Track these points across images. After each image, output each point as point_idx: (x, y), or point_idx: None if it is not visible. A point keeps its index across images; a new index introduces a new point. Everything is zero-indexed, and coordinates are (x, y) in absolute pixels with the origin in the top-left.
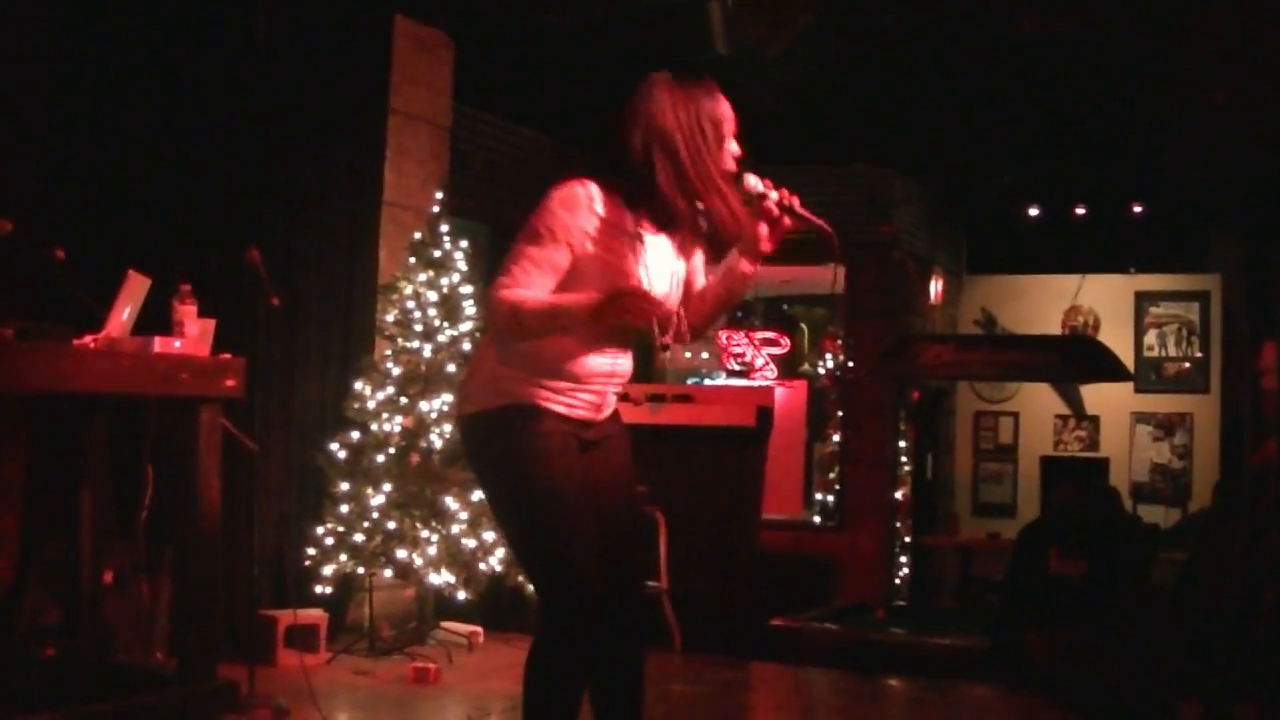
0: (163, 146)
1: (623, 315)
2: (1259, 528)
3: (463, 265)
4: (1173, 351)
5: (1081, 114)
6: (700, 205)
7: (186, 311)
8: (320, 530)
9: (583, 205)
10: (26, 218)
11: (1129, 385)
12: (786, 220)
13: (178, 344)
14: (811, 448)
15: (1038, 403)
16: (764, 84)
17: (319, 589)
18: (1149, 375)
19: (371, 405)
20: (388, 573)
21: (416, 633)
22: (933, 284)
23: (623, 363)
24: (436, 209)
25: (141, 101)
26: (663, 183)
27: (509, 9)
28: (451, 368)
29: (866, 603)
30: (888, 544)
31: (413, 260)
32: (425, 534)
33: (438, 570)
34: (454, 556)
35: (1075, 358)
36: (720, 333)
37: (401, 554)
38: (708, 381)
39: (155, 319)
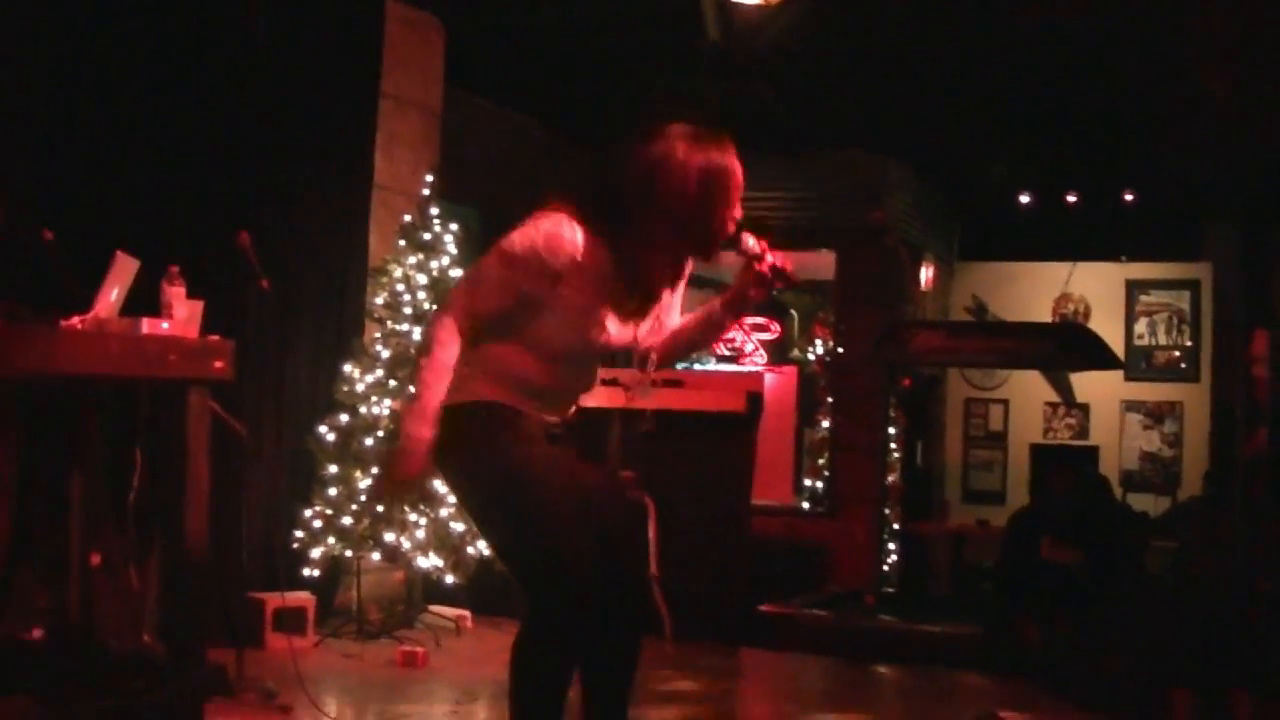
0: (153, 129)
1: (388, 480)
2: (1253, 516)
3: (453, 249)
4: (1163, 340)
5: (1074, 101)
6: (688, 245)
7: (175, 293)
8: (309, 513)
9: (564, 248)
10: (15, 200)
11: (1119, 373)
12: (770, 279)
13: (165, 325)
14: (801, 434)
15: (1028, 390)
16: (756, 71)
17: (307, 572)
18: (1139, 363)
19: (360, 388)
20: (376, 556)
21: (404, 616)
22: (924, 271)
23: (588, 381)
24: (427, 192)
25: (132, 84)
26: (659, 235)
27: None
28: None
29: (857, 589)
30: (877, 531)
31: (403, 243)
32: (413, 517)
33: (426, 554)
34: (442, 540)
35: (1066, 345)
36: None
37: (390, 537)
38: (697, 367)
39: (145, 302)
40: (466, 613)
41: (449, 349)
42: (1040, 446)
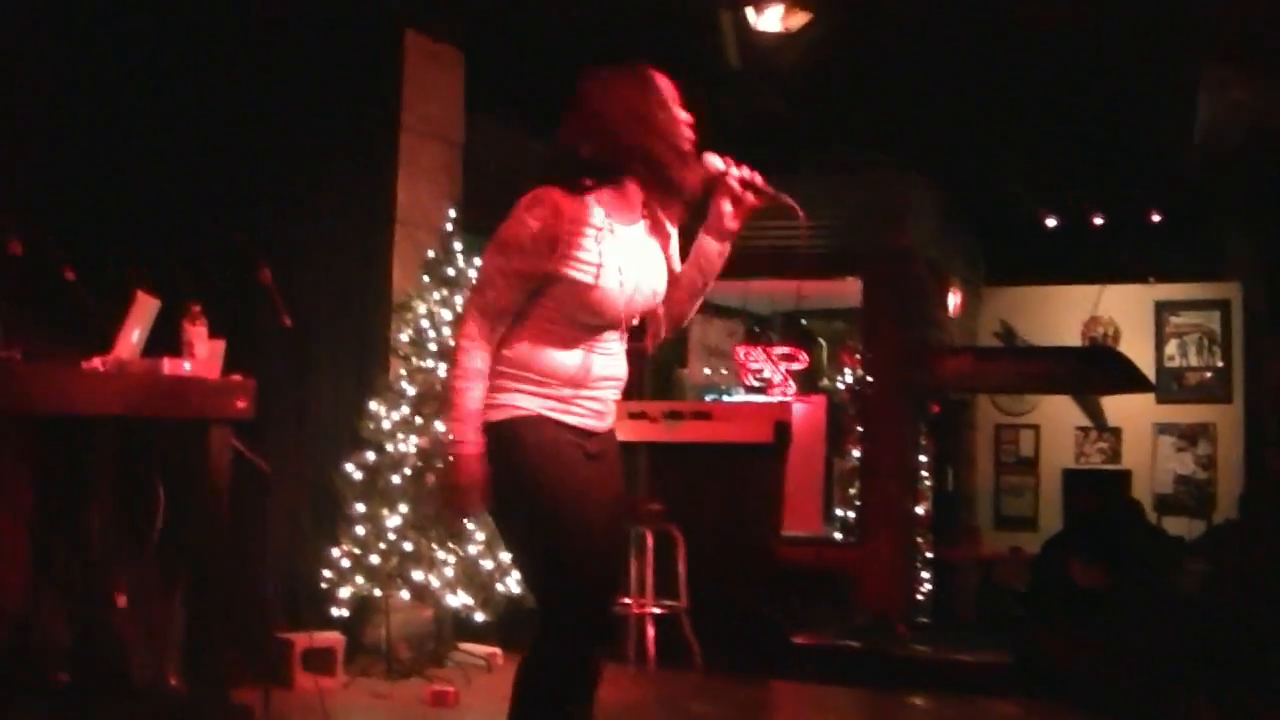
0: (174, 166)
1: (446, 500)
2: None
3: None
4: (1194, 361)
5: (1099, 121)
6: (660, 166)
7: (196, 332)
8: (336, 552)
9: (549, 215)
10: (36, 239)
11: (1150, 396)
12: (750, 197)
13: (187, 365)
14: (831, 463)
15: (1058, 415)
16: (779, 94)
17: (336, 611)
18: (1170, 385)
19: (387, 425)
20: (405, 594)
21: (434, 654)
22: (950, 296)
23: (619, 364)
24: (450, 226)
25: (153, 121)
26: (626, 173)
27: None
28: None
29: (888, 618)
30: (908, 558)
31: (426, 278)
32: (442, 555)
33: (455, 591)
34: (471, 577)
35: (1096, 369)
36: (738, 349)
37: (418, 575)
38: (726, 398)
39: (166, 340)
40: (497, 650)
41: (473, 353)
42: (1072, 471)
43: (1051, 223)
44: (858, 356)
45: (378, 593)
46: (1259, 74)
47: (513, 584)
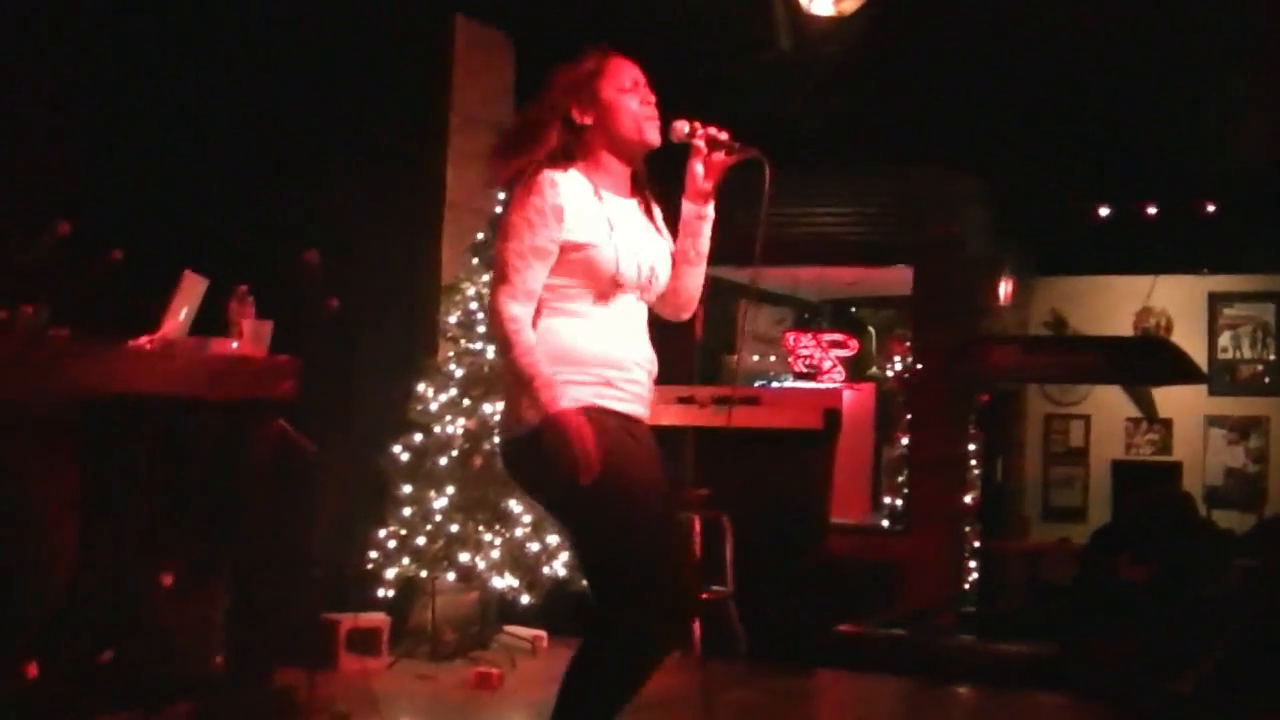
0: (223, 148)
1: (568, 458)
2: None
3: None
4: (1247, 353)
5: (1154, 109)
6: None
7: (243, 313)
8: (382, 533)
9: (548, 188)
10: (84, 219)
11: (1202, 388)
12: (718, 156)
13: (234, 345)
14: (879, 451)
15: (1109, 406)
16: (828, 84)
17: (381, 593)
18: (1223, 378)
19: (434, 407)
20: (450, 576)
21: (479, 637)
22: (1001, 285)
23: (647, 344)
24: (498, 209)
25: (204, 104)
26: (619, 130)
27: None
28: None
29: (934, 608)
30: (956, 549)
31: (475, 261)
32: (488, 537)
33: (501, 574)
34: (517, 560)
35: (1148, 360)
36: (787, 335)
37: (464, 557)
38: (774, 385)
39: (213, 322)
40: (542, 633)
41: (524, 331)
42: (1122, 463)
43: (1104, 213)
44: (907, 345)
45: (423, 574)
46: None
47: (559, 567)
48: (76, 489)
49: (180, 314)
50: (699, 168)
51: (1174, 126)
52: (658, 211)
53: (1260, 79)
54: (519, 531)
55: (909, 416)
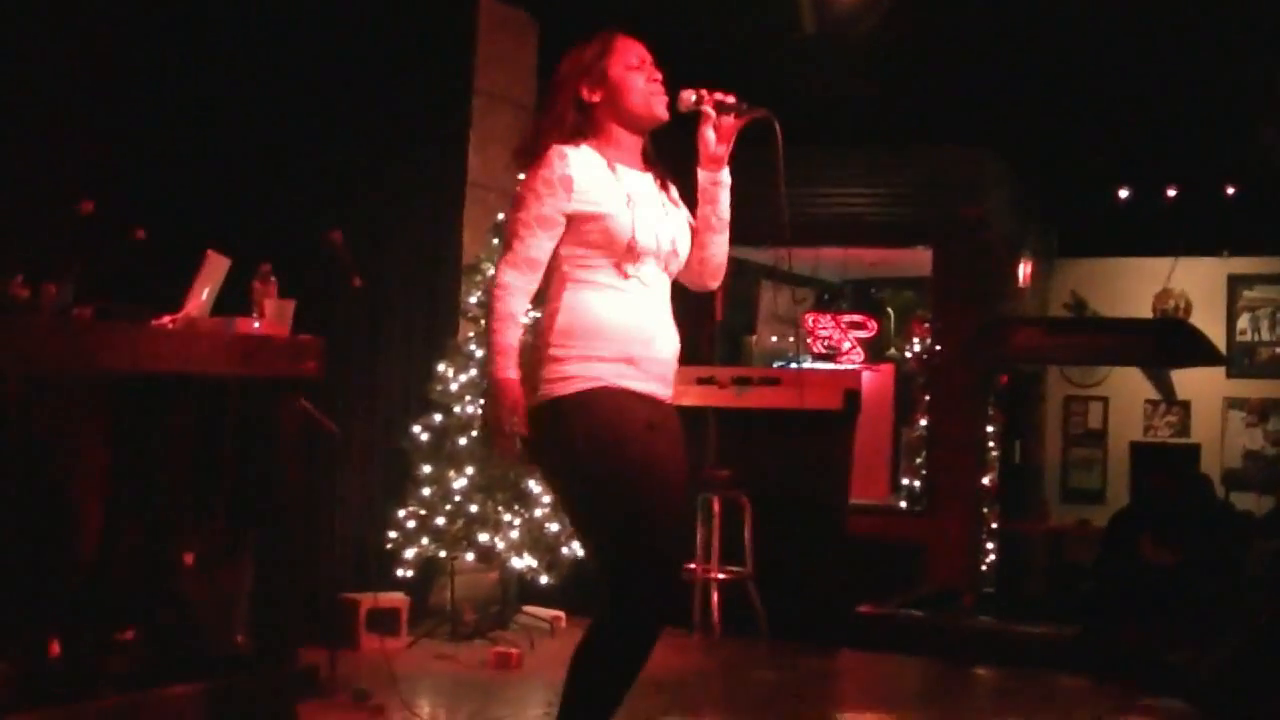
0: (246, 127)
1: (492, 430)
2: None
3: None
4: (1266, 336)
5: (1175, 92)
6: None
7: (266, 292)
8: (402, 513)
9: (559, 161)
10: (108, 198)
11: (1221, 370)
12: (728, 120)
13: (257, 325)
14: (899, 432)
15: (1128, 387)
16: (851, 65)
17: (401, 572)
18: (1242, 360)
19: (454, 388)
20: (470, 556)
21: (499, 617)
22: (1022, 267)
23: (670, 321)
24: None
25: (224, 82)
26: (628, 105)
27: None
28: None
29: (954, 589)
30: (975, 530)
31: (496, 241)
32: (508, 517)
33: (520, 554)
34: (537, 540)
35: (1167, 341)
36: (807, 316)
37: (484, 537)
38: (794, 365)
39: (236, 301)
40: (561, 614)
41: (507, 300)
42: (1141, 445)
43: (1124, 194)
44: (927, 326)
45: (443, 554)
46: None
47: (578, 547)
48: (103, 467)
49: (203, 293)
50: (710, 133)
51: (1195, 109)
52: (673, 187)
53: None
54: (538, 512)
55: (928, 398)
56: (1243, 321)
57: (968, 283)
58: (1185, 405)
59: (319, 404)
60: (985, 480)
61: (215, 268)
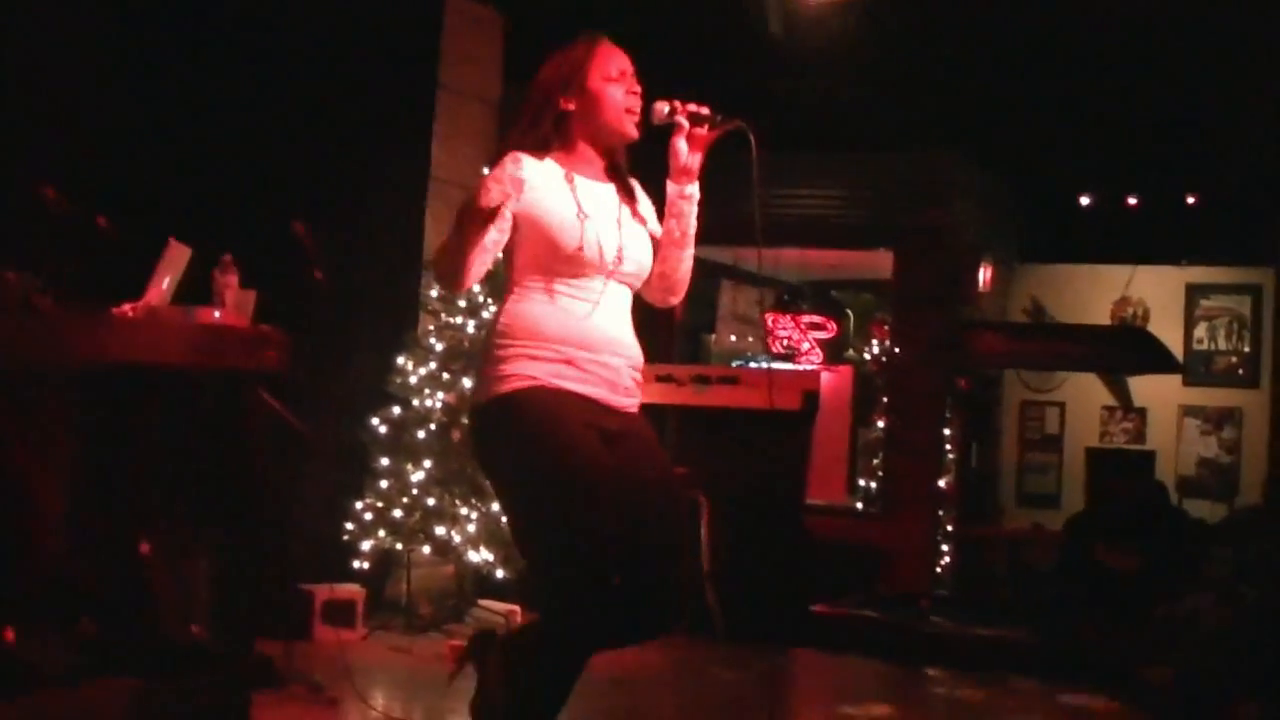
0: (208, 118)
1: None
2: None
3: None
4: (1223, 345)
5: (1139, 100)
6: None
7: (227, 282)
8: (359, 506)
9: (515, 164)
10: (70, 187)
11: (1178, 378)
12: (702, 130)
13: (217, 315)
14: (856, 434)
15: (1085, 393)
16: (816, 68)
17: (357, 564)
18: (1199, 368)
19: (414, 381)
20: (426, 549)
21: (454, 611)
22: (982, 271)
23: (624, 330)
24: None
25: (190, 73)
26: (579, 134)
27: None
28: None
29: (910, 591)
30: (932, 533)
31: None
32: (465, 511)
33: (477, 548)
34: (493, 534)
35: (1127, 349)
36: (767, 316)
37: (441, 531)
38: (752, 365)
39: (198, 292)
40: (517, 608)
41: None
42: (1097, 450)
43: (1086, 202)
44: (886, 328)
45: (400, 547)
46: None
47: None
48: (63, 457)
49: (164, 282)
50: (682, 144)
51: (1157, 118)
52: (644, 200)
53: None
54: (495, 506)
55: (887, 400)
56: (1200, 330)
57: (928, 286)
58: (1142, 412)
59: (279, 396)
60: (942, 483)
61: (177, 257)
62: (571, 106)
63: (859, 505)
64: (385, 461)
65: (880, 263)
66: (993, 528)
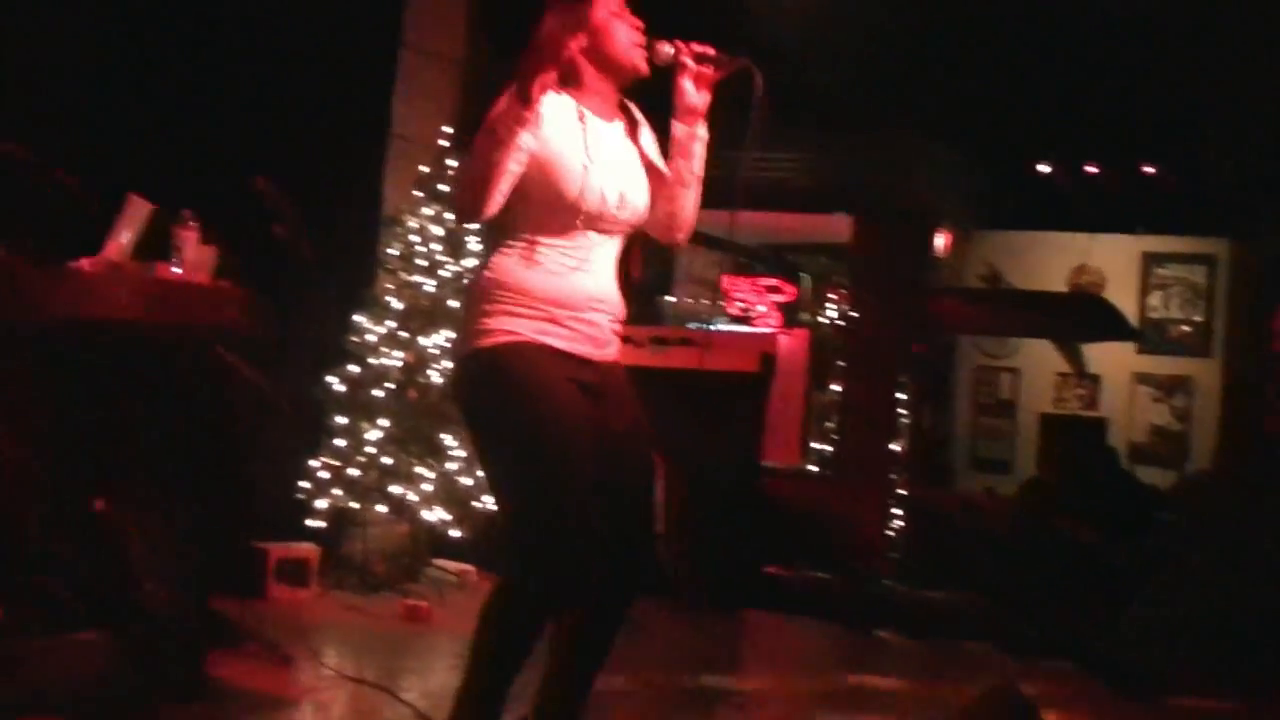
0: (168, 74)
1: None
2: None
3: None
4: (1177, 314)
5: (1095, 70)
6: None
7: (187, 238)
8: (315, 464)
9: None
10: (30, 140)
11: (1131, 346)
12: (707, 69)
13: (177, 270)
14: (810, 397)
15: (1039, 359)
16: (779, 38)
17: (312, 523)
18: (1152, 337)
19: (372, 339)
20: (382, 508)
21: (409, 570)
22: (939, 237)
23: (609, 286)
24: (445, 143)
25: (150, 28)
26: (609, 51)
27: None
28: (454, 303)
29: (862, 554)
30: (884, 495)
31: (418, 194)
32: (421, 470)
33: (432, 507)
34: (450, 494)
35: (1085, 316)
36: (724, 278)
37: (396, 490)
38: (709, 327)
39: (157, 249)
40: (471, 568)
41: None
42: (1050, 416)
43: (1044, 170)
44: (843, 292)
45: (355, 506)
46: None
47: (491, 502)
48: (27, 417)
49: (123, 238)
50: (688, 85)
51: (1115, 88)
52: (648, 134)
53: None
54: (452, 465)
55: (842, 364)
56: (1154, 299)
57: (886, 251)
58: (1095, 379)
59: (237, 353)
60: (895, 447)
61: (137, 212)
62: (581, 43)
63: (813, 468)
64: (342, 420)
65: (838, 227)
66: (945, 492)
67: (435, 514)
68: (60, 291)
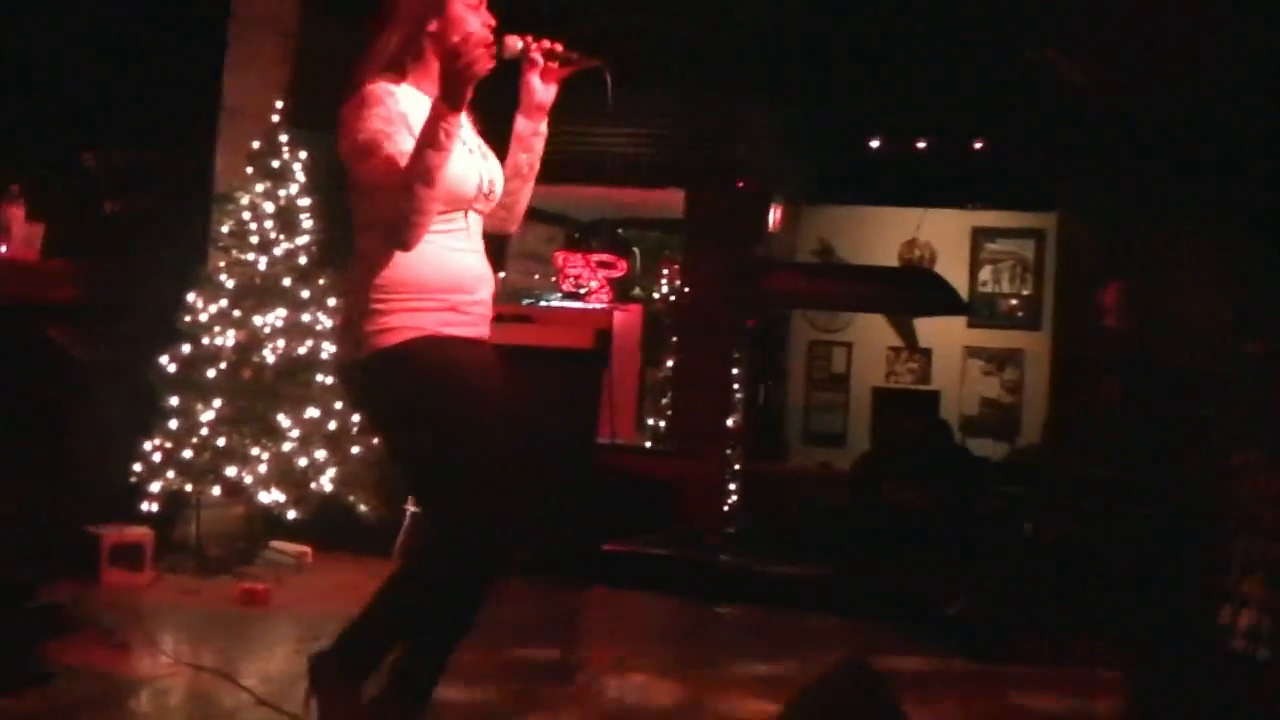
0: None
1: (468, 55)
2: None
3: (301, 176)
4: (1006, 288)
5: (928, 47)
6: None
7: (14, 215)
8: (148, 446)
9: (388, 98)
10: None
11: (962, 319)
12: (555, 67)
13: (3, 249)
14: (644, 373)
15: (871, 334)
16: (611, 3)
17: (145, 506)
18: (983, 311)
19: (204, 318)
20: (216, 490)
21: (245, 553)
22: (772, 211)
23: (486, 265)
24: (277, 118)
25: None
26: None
27: None
28: (287, 281)
29: (699, 527)
30: (721, 470)
31: (250, 170)
32: (256, 451)
33: (268, 489)
34: (285, 474)
35: (916, 290)
36: (557, 254)
37: (231, 471)
38: (542, 303)
39: None
40: (308, 549)
41: None
42: (882, 390)
43: (875, 144)
44: (676, 267)
45: (189, 488)
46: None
47: (326, 482)
48: None
49: None
50: (536, 80)
51: (946, 64)
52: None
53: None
54: (287, 446)
55: (676, 339)
56: (984, 273)
57: (718, 225)
58: (926, 353)
59: (66, 331)
60: (729, 421)
61: None
62: (432, 28)
63: (648, 444)
64: (174, 400)
65: (671, 201)
66: (779, 465)
67: (271, 495)
68: None
